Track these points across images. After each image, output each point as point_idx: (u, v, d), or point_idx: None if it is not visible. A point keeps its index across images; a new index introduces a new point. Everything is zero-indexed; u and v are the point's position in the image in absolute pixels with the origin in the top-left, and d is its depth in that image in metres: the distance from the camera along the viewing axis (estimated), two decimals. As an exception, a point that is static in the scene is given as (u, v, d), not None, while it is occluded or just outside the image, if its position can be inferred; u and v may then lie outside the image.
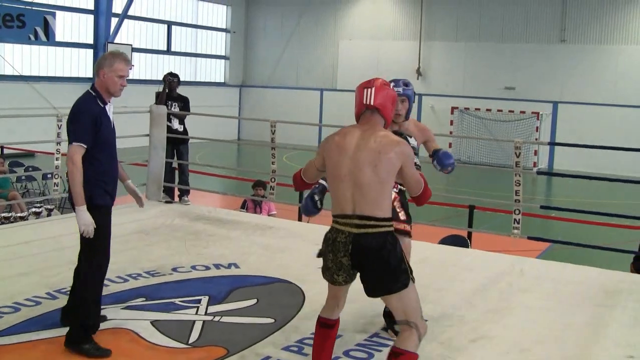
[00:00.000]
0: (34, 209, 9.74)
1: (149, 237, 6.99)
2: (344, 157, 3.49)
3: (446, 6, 26.39)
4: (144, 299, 5.06)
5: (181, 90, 9.25)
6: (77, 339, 4.11)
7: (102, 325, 4.40)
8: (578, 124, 23.61)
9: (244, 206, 10.24)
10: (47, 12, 20.12)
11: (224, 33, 30.27)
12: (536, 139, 23.52)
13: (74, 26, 23.24)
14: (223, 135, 25.30)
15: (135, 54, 24.03)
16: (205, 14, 29.26)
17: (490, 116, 25.07)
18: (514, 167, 6.93)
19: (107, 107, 4.26)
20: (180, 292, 5.23)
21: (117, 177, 4.40)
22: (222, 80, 30.52)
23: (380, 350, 4.26)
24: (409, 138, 4.32)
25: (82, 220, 4.08)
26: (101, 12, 22.73)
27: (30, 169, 13.29)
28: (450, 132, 24.72)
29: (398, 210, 4.46)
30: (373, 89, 3.60)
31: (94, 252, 4.21)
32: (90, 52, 23.26)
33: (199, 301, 5.04)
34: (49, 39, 19.99)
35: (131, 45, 23.55)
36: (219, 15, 30.01)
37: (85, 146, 4.10)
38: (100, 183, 4.20)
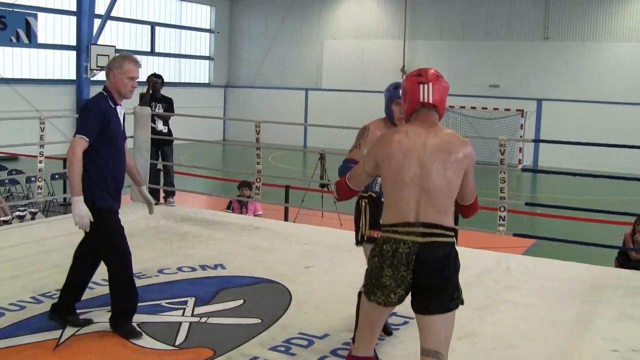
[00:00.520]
0: (17, 213, 9.64)
1: (134, 239, 6.93)
2: (410, 160, 3.10)
3: (430, 5, 26.47)
4: (130, 302, 5.02)
5: (165, 91, 9.22)
6: (120, 322, 4.31)
7: (89, 329, 4.39)
8: (562, 121, 23.75)
9: (229, 207, 10.22)
10: (28, 14, 19.94)
11: (208, 33, 30.18)
12: (521, 136, 23.63)
13: (56, 28, 23.04)
14: (208, 136, 25.25)
15: (118, 56, 23.82)
16: (189, 15, 29.17)
17: (475, 114, 25.18)
18: (499, 165, 6.94)
19: (117, 109, 4.28)
20: (166, 293, 5.21)
21: (121, 181, 4.41)
22: (207, 81, 30.44)
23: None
24: None
25: (77, 210, 4.07)
26: (84, 13, 22.36)
27: (13, 172, 13.17)
28: (436, 130, 24.74)
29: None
30: (430, 84, 3.21)
31: (108, 253, 4.30)
32: (73, 53, 22.95)
33: (185, 302, 5.02)
34: (31, 40, 19.82)
35: (115, 46, 23.37)
36: (203, 15, 29.92)
37: (88, 140, 4.12)
38: (101, 183, 4.19)
